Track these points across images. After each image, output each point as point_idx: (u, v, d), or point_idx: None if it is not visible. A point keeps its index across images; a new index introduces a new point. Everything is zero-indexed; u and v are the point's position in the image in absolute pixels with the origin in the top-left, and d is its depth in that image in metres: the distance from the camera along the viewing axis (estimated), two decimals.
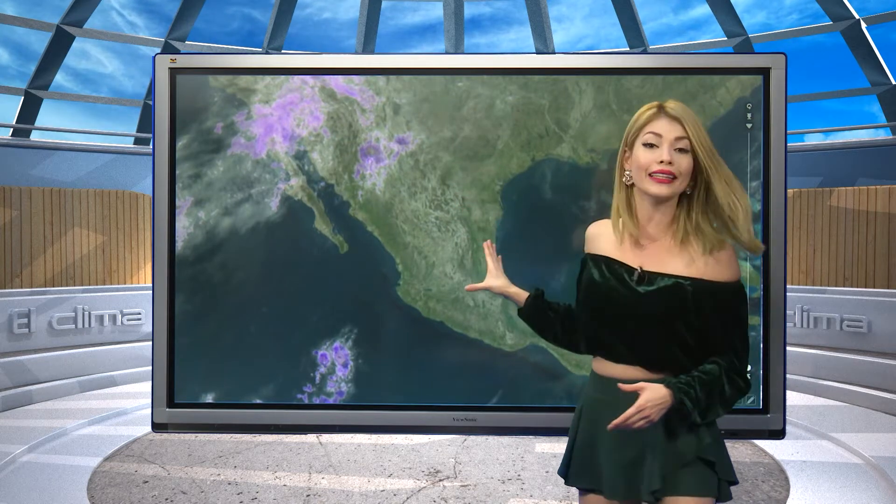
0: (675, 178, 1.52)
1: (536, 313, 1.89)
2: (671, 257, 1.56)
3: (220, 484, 3.87)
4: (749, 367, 1.62)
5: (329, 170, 2.61)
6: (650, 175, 1.53)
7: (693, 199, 1.56)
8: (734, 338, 1.54)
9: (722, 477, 1.55)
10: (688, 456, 1.52)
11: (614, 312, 1.58)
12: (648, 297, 1.54)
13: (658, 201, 1.56)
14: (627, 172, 1.61)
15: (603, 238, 1.67)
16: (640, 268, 1.56)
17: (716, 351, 1.54)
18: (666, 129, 1.54)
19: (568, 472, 1.70)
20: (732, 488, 1.60)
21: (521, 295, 1.92)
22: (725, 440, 1.65)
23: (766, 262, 2.45)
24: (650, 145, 1.55)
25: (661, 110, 1.56)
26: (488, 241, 2.02)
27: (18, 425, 4.87)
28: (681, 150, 1.53)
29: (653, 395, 1.44)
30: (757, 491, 3.69)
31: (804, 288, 6.74)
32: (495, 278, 1.96)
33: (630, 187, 1.62)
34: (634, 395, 1.49)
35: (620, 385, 1.49)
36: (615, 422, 1.44)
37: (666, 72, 2.55)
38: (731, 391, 1.50)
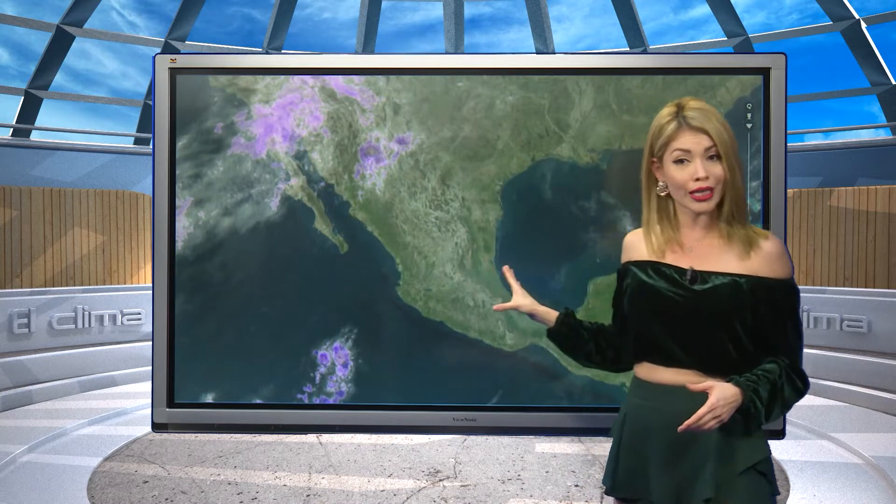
0: (713, 189, 1.50)
1: (569, 332, 1.82)
2: (722, 255, 1.53)
3: (220, 484, 3.87)
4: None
5: (329, 170, 2.61)
6: (690, 193, 1.51)
7: (728, 198, 1.52)
8: (790, 336, 1.51)
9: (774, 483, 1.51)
10: (743, 465, 1.47)
11: (669, 314, 1.54)
12: (705, 295, 1.50)
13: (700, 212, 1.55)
14: (661, 184, 1.58)
15: (643, 245, 1.65)
16: (692, 268, 1.53)
17: (773, 350, 1.51)
18: (693, 142, 1.50)
19: (613, 482, 1.65)
20: None
21: (550, 314, 1.86)
22: None
23: None
24: (681, 161, 1.52)
25: (682, 123, 1.51)
26: (507, 266, 1.98)
27: (18, 425, 4.87)
28: (711, 158, 1.50)
29: (724, 393, 1.39)
30: None
31: (804, 288, 6.74)
32: (522, 297, 1.90)
33: (666, 196, 1.59)
34: (683, 400, 1.46)
35: (689, 385, 1.44)
36: (687, 423, 1.39)
37: (666, 72, 2.55)
38: (789, 391, 1.47)
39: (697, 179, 1.49)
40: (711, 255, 1.54)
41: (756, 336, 1.50)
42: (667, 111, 1.57)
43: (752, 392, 1.42)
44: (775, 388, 1.45)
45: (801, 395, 1.49)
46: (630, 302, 1.63)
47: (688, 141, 1.50)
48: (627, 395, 1.69)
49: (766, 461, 1.51)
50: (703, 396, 1.41)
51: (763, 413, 1.43)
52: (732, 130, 1.53)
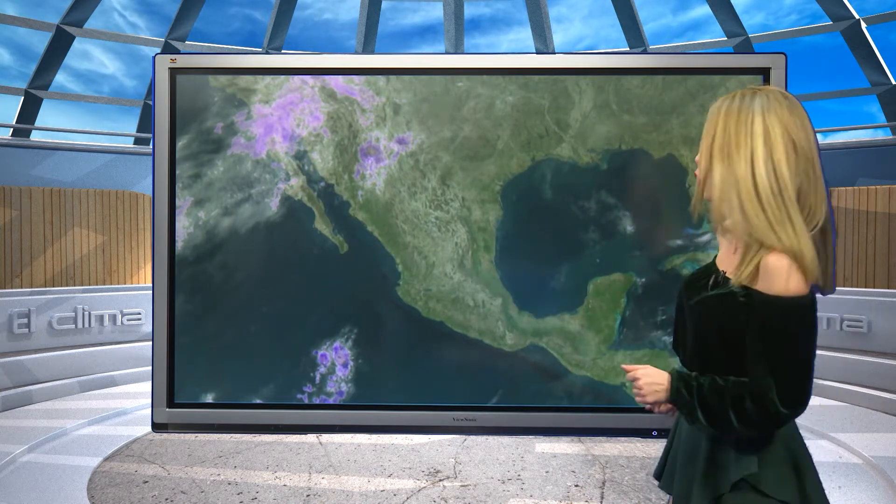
0: (700, 180, 1.45)
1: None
2: (733, 262, 1.42)
3: (220, 484, 3.87)
4: (798, 398, 1.34)
5: (329, 170, 2.61)
6: None
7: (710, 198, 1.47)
8: (776, 363, 1.32)
9: (779, 498, 1.36)
10: (731, 477, 1.38)
11: (680, 320, 1.53)
12: (699, 304, 1.43)
13: None
14: None
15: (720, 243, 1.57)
16: (724, 272, 1.44)
17: (754, 371, 1.35)
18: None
19: (661, 474, 1.64)
20: None
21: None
22: None
23: None
24: None
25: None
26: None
27: (18, 425, 4.87)
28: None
29: (651, 372, 1.43)
30: None
31: None
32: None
33: None
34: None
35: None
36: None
37: (666, 72, 2.55)
38: (755, 411, 1.33)
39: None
40: (729, 260, 1.46)
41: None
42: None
43: (680, 382, 1.40)
44: (726, 396, 1.35)
45: (774, 422, 1.33)
46: None
47: None
48: None
49: (762, 476, 1.37)
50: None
51: (699, 412, 1.37)
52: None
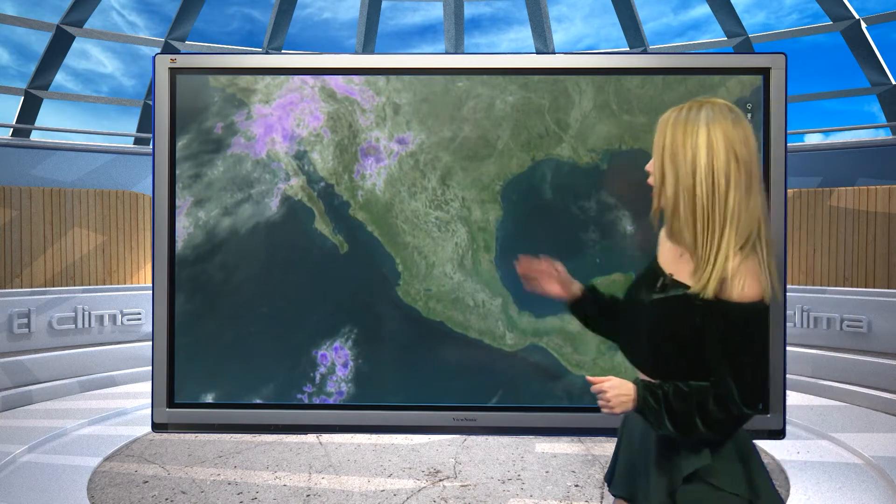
0: (655, 189, 1.50)
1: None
2: (687, 266, 1.46)
3: (220, 484, 3.87)
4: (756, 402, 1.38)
5: (329, 170, 2.61)
6: None
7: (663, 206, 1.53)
8: (737, 366, 1.36)
9: (730, 491, 1.40)
10: (683, 471, 1.42)
11: (629, 320, 1.56)
12: (655, 305, 1.47)
13: None
14: None
15: (662, 245, 1.61)
16: (671, 276, 1.48)
17: (716, 374, 1.39)
18: None
19: (612, 478, 1.68)
20: None
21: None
22: None
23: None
24: None
25: None
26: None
27: (18, 425, 4.87)
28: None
29: (618, 383, 1.44)
30: None
31: (804, 288, 6.74)
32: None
33: None
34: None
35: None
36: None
37: (666, 72, 2.55)
38: (719, 413, 1.36)
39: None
40: (677, 264, 1.50)
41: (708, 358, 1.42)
42: None
43: (646, 391, 1.42)
44: (691, 400, 1.38)
45: (736, 421, 1.37)
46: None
47: None
48: None
49: (713, 470, 1.41)
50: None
51: (667, 419, 1.38)
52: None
